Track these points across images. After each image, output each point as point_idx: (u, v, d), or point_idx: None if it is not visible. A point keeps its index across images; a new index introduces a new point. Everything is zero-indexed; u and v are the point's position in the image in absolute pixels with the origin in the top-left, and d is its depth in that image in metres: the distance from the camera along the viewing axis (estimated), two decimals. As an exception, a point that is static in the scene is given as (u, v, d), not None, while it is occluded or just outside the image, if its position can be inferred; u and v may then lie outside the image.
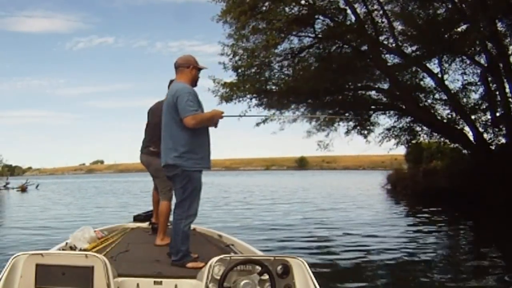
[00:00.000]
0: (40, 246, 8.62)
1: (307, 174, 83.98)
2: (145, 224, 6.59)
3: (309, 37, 18.90)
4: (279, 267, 3.32)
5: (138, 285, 3.69)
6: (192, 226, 5.33)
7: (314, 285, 3.25)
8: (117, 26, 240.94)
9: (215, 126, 4.64)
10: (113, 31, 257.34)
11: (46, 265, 3.21)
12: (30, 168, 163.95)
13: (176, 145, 4.39)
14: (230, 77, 19.07)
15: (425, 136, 22.19)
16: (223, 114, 4.55)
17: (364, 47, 19.22)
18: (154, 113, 5.69)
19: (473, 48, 18.43)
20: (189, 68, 4.61)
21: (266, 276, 3.21)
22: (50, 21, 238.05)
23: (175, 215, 4.48)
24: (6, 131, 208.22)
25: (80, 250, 4.69)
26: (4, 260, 3.46)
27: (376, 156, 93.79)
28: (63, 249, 4.72)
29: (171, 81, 5.42)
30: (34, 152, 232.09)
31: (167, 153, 4.49)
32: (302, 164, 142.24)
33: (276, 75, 19.45)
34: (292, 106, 21.00)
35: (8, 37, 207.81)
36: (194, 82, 4.66)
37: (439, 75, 19.36)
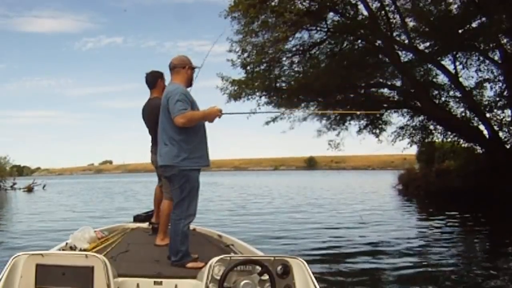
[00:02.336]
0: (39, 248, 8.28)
1: (317, 174, 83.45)
2: (145, 224, 6.56)
3: (322, 30, 18.40)
4: (279, 267, 3.32)
5: (138, 285, 3.69)
6: (192, 226, 5.38)
7: (314, 285, 3.24)
8: (125, 26, 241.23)
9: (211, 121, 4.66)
10: (122, 31, 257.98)
11: (46, 265, 3.20)
12: (38, 168, 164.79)
13: (172, 145, 4.43)
14: (238, 74, 18.70)
15: (438, 135, 21.79)
16: (222, 113, 4.54)
17: (377, 43, 18.72)
18: (153, 112, 5.50)
19: (488, 45, 17.96)
20: (185, 69, 4.66)
21: (266, 276, 3.20)
22: (58, 21, 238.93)
23: (174, 215, 4.47)
24: (16, 131, 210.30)
25: (80, 250, 4.69)
26: (4, 260, 3.40)
27: (386, 155, 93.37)
28: (63, 249, 4.72)
29: (147, 74, 5.87)
30: (43, 152, 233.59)
31: (164, 153, 4.51)
32: (311, 164, 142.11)
33: (286, 72, 19.02)
34: (302, 105, 20.60)
35: (17, 37, 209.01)
36: (189, 81, 4.71)
37: (453, 72, 18.90)
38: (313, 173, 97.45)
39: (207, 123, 4.68)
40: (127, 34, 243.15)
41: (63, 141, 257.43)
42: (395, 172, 31.17)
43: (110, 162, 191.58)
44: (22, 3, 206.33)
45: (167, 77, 5.20)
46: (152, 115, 5.57)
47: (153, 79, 5.87)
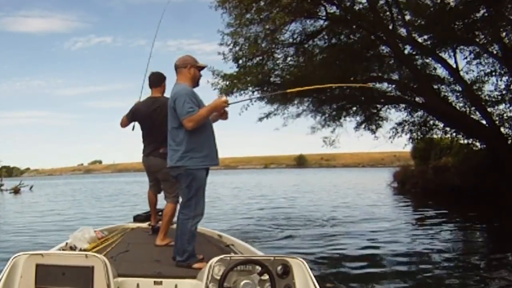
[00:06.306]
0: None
1: (308, 172, 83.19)
2: (145, 224, 6.65)
3: (321, 18, 17.62)
4: (279, 267, 3.32)
5: (138, 285, 3.71)
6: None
7: (314, 285, 3.25)
8: (115, 26, 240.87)
9: (224, 117, 4.69)
10: (111, 31, 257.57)
11: (46, 265, 3.20)
12: (28, 169, 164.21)
13: (178, 146, 4.46)
14: (230, 68, 17.88)
15: (438, 131, 21.24)
16: (228, 102, 4.57)
17: (378, 34, 18.04)
18: (154, 113, 5.77)
19: (487, 38, 17.46)
20: (186, 68, 4.63)
21: (266, 276, 3.21)
22: (48, 21, 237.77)
23: (182, 215, 4.48)
24: (5, 132, 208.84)
25: (80, 250, 4.80)
26: (4, 260, 3.38)
27: (376, 153, 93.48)
28: (63, 249, 4.81)
29: (153, 73, 5.97)
30: (33, 153, 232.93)
31: (171, 154, 4.55)
32: (301, 162, 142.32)
33: (281, 65, 18.28)
34: (296, 101, 19.97)
35: (6, 37, 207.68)
36: (194, 81, 4.68)
37: (454, 66, 18.33)
38: (304, 171, 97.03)
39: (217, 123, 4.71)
40: (117, 34, 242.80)
41: (53, 142, 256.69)
42: (386, 169, 30.80)
43: (100, 162, 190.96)
44: (10, 3, 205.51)
45: (171, 79, 5.22)
46: (150, 111, 5.77)
47: (159, 79, 5.90)
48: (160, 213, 6.18)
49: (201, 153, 4.46)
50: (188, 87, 4.56)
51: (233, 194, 28.96)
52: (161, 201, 6.23)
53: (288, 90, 7.66)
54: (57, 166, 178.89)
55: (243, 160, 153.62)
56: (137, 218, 7.06)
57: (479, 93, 19.18)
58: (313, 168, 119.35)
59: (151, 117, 5.75)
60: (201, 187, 4.49)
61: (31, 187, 43.57)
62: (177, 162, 4.46)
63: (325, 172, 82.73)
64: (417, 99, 19.60)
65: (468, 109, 19.28)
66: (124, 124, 6.13)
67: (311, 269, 3.37)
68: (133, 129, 6.14)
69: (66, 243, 5.02)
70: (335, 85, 15.18)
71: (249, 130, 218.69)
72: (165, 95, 5.85)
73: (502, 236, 11.28)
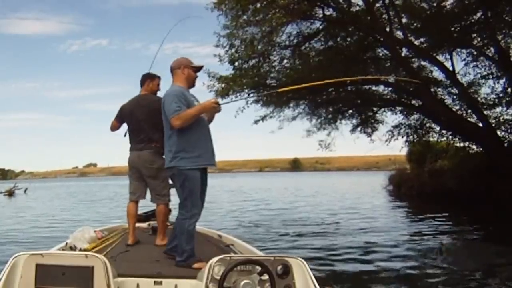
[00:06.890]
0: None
1: (302, 176, 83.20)
2: (144, 224, 6.64)
3: (318, 20, 17.54)
4: (279, 267, 3.31)
5: (138, 285, 3.71)
6: (192, 225, 5.27)
7: (314, 285, 3.25)
8: (111, 28, 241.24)
9: (213, 113, 4.69)
10: (107, 33, 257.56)
11: (46, 265, 3.20)
12: (23, 171, 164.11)
13: (171, 146, 4.47)
14: (226, 71, 17.80)
15: (434, 134, 21.23)
16: (218, 104, 4.52)
17: (372, 37, 18.02)
18: (137, 107, 5.68)
19: (483, 41, 17.48)
20: (180, 69, 4.63)
21: (266, 276, 3.20)
22: (43, 23, 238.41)
23: (179, 215, 4.49)
24: (0, 134, 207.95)
25: (80, 250, 4.85)
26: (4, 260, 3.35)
27: (371, 156, 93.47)
28: (63, 249, 4.85)
29: (143, 76, 5.84)
30: (28, 155, 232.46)
31: (166, 155, 4.60)
32: (295, 165, 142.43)
33: (277, 68, 18.22)
34: (292, 104, 19.92)
35: (2, 39, 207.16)
36: (189, 81, 4.68)
37: (451, 69, 18.31)
38: (299, 175, 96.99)
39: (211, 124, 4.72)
40: (112, 36, 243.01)
41: (48, 144, 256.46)
42: (381, 173, 30.77)
43: (95, 165, 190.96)
44: (7, 5, 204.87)
45: (168, 82, 5.29)
46: (133, 105, 5.69)
47: (143, 79, 5.86)
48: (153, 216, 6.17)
49: (193, 153, 4.43)
50: (180, 87, 4.55)
51: (229, 198, 28.92)
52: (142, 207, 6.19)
53: (281, 89, 7.57)
54: (52, 169, 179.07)
55: (238, 164, 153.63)
56: (136, 219, 6.86)
57: (476, 96, 19.15)
58: (308, 172, 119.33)
59: (136, 112, 5.63)
60: (196, 187, 4.45)
61: (25, 190, 43.53)
62: (170, 163, 4.46)
63: (320, 175, 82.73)
64: (413, 101, 19.58)
65: (464, 112, 19.23)
66: (114, 127, 5.99)
67: (311, 269, 3.35)
68: (125, 135, 5.96)
69: (66, 243, 5.06)
70: (332, 81, 15.06)
71: (244, 133, 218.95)
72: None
73: (498, 239, 11.10)
